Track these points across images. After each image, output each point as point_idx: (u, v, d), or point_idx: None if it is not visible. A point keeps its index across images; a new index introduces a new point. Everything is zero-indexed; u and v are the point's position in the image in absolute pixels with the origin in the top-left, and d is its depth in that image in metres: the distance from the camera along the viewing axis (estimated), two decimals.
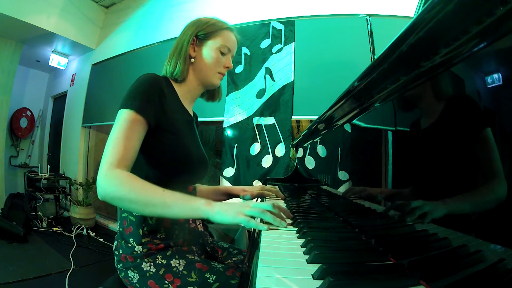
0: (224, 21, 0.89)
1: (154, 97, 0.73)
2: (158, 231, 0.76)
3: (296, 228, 0.60)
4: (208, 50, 0.85)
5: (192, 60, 0.85)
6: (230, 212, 0.60)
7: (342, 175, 0.91)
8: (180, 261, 0.72)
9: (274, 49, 2.37)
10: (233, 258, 0.89)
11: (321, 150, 1.25)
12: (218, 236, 1.47)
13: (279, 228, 0.61)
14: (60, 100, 4.66)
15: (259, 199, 1.04)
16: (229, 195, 1.07)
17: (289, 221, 0.67)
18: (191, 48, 0.85)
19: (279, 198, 1.07)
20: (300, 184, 1.56)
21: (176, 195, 0.64)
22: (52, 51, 4.10)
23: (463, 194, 0.36)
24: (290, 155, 2.23)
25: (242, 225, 0.60)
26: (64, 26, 3.59)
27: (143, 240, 0.73)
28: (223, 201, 0.65)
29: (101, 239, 2.94)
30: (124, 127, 0.67)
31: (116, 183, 0.62)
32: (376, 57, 0.50)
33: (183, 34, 0.86)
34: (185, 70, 0.85)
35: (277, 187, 1.11)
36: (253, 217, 0.60)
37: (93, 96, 3.85)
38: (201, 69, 0.86)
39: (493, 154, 0.31)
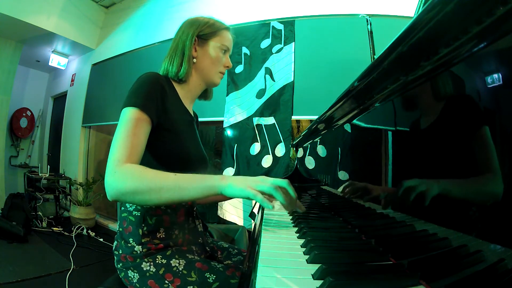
0: (221, 21, 0.90)
1: (156, 95, 0.74)
2: (157, 231, 0.76)
3: (296, 228, 0.60)
4: (210, 50, 0.86)
5: (194, 60, 0.86)
6: (240, 185, 0.60)
7: (342, 175, 0.91)
8: (180, 260, 0.72)
9: (274, 49, 2.37)
10: (233, 259, 0.89)
11: (321, 150, 1.25)
12: (218, 236, 1.47)
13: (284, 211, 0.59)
14: (60, 100, 4.66)
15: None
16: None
17: (288, 218, 0.66)
18: (192, 48, 0.85)
19: None
20: (300, 184, 1.56)
21: (189, 177, 0.63)
22: (52, 51, 4.10)
23: (458, 179, 0.36)
24: (290, 155, 2.23)
25: (250, 199, 0.58)
26: (64, 26, 3.59)
27: (142, 240, 0.73)
28: (237, 176, 0.64)
29: (101, 239, 2.94)
30: (130, 125, 0.67)
31: (129, 177, 0.61)
32: (376, 57, 0.50)
33: (182, 34, 0.86)
34: (189, 71, 0.85)
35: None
36: (263, 194, 0.59)
37: (93, 96, 3.85)
38: (203, 69, 0.87)
39: (493, 153, 0.31)
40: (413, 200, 0.46)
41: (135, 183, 0.60)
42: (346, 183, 0.85)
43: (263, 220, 0.68)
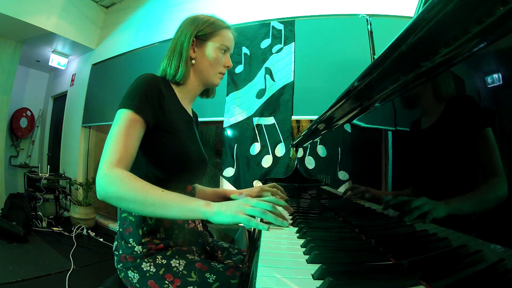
0: (222, 19, 0.89)
1: (152, 97, 0.73)
2: (157, 231, 0.76)
3: (296, 228, 0.60)
4: (209, 51, 0.85)
5: (193, 61, 0.85)
6: (229, 211, 0.59)
7: (342, 175, 0.91)
8: (180, 261, 0.72)
9: (274, 49, 2.37)
10: (233, 258, 0.89)
11: (321, 150, 1.25)
12: (218, 236, 1.47)
13: (282, 228, 0.61)
14: (60, 100, 4.66)
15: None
16: (228, 198, 1.06)
17: (289, 221, 0.67)
18: (191, 49, 0.84)
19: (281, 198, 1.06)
20: (300, 184, 1.56)
21: (175, 196, 0.63)
22: (52, 51, 4.10)
23: (464, 194, 0.36)
24: (290, 155, 2.23)
25: (241, 224, 0.59)
26: (64, 26, 3.59)
27: (143, 240, 0.73)
28: (222, 201, 0.65)
29: (101, 239, 2.94)
30: (123, 127, 0.67)
31: (116, 182, 0.62)
32: (376, 57, 0.50)
33: (181, 34, 0.85)
34: (187, 72, 0.84)
35: (275, 184, 1.09)
36: (254, 216, 0.59)
37: (93, 96, 3.85)
38: (202, 70, 0.86)
39: (494, 154, 0.31)
40: (413, 200, 0.46)
41: (122, 190, 0.61)
42: (348, 187, 0.85)
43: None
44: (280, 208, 0.67)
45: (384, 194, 0.59)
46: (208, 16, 0.87)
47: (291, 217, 0.73)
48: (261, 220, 0.61)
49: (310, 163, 1.46)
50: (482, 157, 0.33)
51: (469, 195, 0.35)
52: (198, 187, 1.03)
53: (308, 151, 1.47)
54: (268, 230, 0.59)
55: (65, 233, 3.03)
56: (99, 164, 0.64)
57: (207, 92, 0.97)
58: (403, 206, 0.49)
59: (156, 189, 0.63)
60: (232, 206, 0.60)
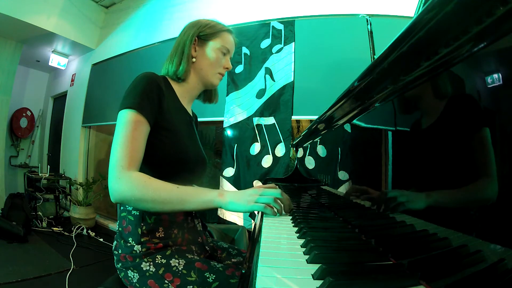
0: (223, 23, 0.91)
1: (152, 95, 0.74)
2: (157, 231, 0.76)
3: (296, 228, 0.60)
4: (209, 51, 0.87)
5: (194, 60, 0.87)
6: (242, 201, 0.65)
7: (342, 175, 0.91)
8: (180, 260, 0.72)
9: (274, 49, 2.37)
10: (232, 260, 0.89)
11: (321, 150, 1.25)
12: (218, 236, 1.47)
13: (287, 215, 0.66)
14: (60, 100, 4.66)
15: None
16: None
17: (288, 219, 0.68)
18: (192, 48, 0.86)
19: None
20: (300, 184, 1.56)
21: (191, 190, 0.69)
22: (52, 51, 4.10)
23: (449, 189, 0.37)
24: (290, 155, 2.23)
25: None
26: (64, 26, 3.59)
27: (142, 240, 0.73)
28: (234, 190, 0.71)
29: (101, 239, 2.94)
30: (129, 128, 0.68)
31: (133, 185, 0.64)
32: (376, 57, 0.50)
33: (184, 34, 0.87)
34: (188, 69, 0.86)
35: (273, 184, 1.10)
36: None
37: (93, 96, 3.85)
38: (201, 69, 0.87)
39: (489, 154, 0.31)
40: (413, 200, 0.46)
41: (140, 192, 0.64)
42: (348, 188, 0.85)
43: (263, 220, 0.68)
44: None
45: (382, 194, 0.59)
46: (210, 20, 0.90)
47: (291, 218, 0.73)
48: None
49: (310, 163, 1.46)
50: (482, 158, 0.33)
51: (453, 191, 0.36)
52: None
53: (308, 151, 1.47)
54: (279, 215, 0.67)
55: (65, 233, 3.03)
56: (109, 169, 0.66)
57: (209, 96, 0.98)
58: (382, 199, 0.49)
59: (172, 186, 0.68)
60: (244, 197, 0.66)
